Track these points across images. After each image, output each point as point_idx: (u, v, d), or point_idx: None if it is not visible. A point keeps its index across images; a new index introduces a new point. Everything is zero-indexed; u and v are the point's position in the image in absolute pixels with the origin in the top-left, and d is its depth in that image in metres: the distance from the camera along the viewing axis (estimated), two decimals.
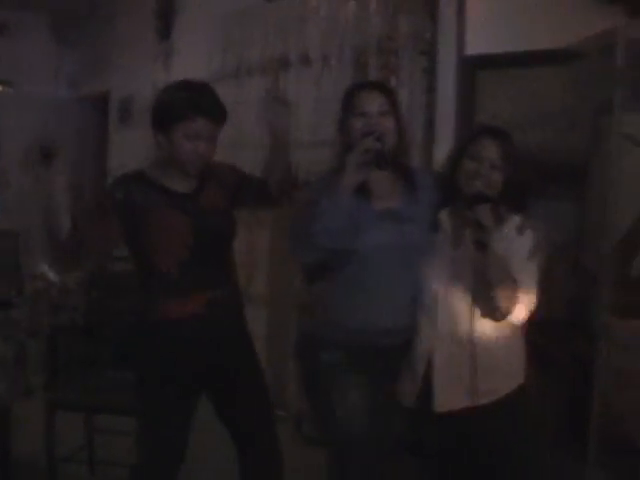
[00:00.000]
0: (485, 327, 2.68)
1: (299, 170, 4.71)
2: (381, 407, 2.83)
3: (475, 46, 3.90)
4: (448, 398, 2.73)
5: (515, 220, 2.70)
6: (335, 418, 2.81)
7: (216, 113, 2.81)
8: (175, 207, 2.84)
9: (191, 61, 6.07)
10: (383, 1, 4.27)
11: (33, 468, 3.96)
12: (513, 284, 2.58)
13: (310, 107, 4.75)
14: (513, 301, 2.59)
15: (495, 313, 2.63)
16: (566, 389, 3.30)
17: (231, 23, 5.47)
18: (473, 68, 3.78)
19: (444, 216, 2.80)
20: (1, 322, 4.38)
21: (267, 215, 5.18)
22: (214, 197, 2.97)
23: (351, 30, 4.52)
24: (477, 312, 2.67)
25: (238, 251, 5.24)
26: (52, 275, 5.94)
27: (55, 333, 5.86)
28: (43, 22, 8.01)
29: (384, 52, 4.24)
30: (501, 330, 2.71)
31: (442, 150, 3.96)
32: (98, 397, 4.00)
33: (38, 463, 3.90)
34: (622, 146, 3.00)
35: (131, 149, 7.10)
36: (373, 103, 2.75)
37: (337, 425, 2.82)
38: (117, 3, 7.33)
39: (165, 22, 6.43)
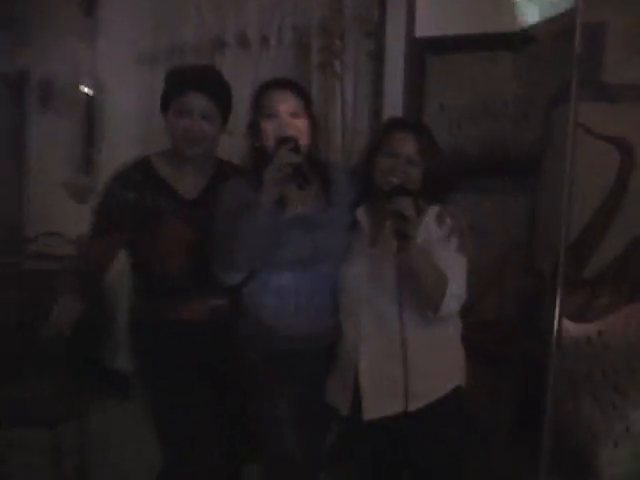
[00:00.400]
0: (413, 326, 2.74)
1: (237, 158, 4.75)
2: (308, 417, 2.92)
3: (425, 28, 3.93)
4: (378, 404, 2.80)
5: (434, 210, 2.80)
6: (264, 428, 2.92)
7: (209, 87, 2.93)
8: (181, 217, 2.97)
9: (119, 40, 6.03)
10: None
11: None
12: (440, 275, 2.66)
13: (247, 91, 4.75)
14: (442, 293, 2.65)
15: (425, 307, 2.71)
16: (518, 390, 3.36)
17: (163, 0, 5.45)
18: (423, 52, 3.82)
19: (361, 213, 2.89)
20: None
21: None
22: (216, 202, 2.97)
23: (292, 9, 4.55)
24: (404, 310, 2.73)
25: None
26: None
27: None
28: None
29: (327, 33, 4.27)
30: (432, 328, 2.77)
31: None
32: (9, 409, 3.98)
33: None
34: (578, 138, 3.04)
35: (51, 135, 7.03)
36: (284, 103, 2.83)
37: (266, 436, 2.92)
38: None
39: None
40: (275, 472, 2.92)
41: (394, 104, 4.06)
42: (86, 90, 6.52)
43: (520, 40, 3.50)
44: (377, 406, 2.79)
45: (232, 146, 5.03)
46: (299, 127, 2.82)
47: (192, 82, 2.94)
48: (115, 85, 6.20)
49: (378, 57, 4.18)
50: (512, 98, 3.56)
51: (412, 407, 2.75)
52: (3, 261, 4.50)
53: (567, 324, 3.12)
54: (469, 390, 2.87)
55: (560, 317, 3.08)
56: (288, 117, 2.81)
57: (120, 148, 5.97)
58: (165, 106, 2.98)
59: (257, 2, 4.74)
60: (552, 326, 3.07)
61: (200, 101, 2.91)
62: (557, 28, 3.21)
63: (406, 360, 2.73)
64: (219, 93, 2.99)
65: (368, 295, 2.79)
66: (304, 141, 2.80)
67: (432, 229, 2.76)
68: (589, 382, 3.13)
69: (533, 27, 3.44)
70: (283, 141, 2.73)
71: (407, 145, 2.81)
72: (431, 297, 2.68)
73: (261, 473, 2.99)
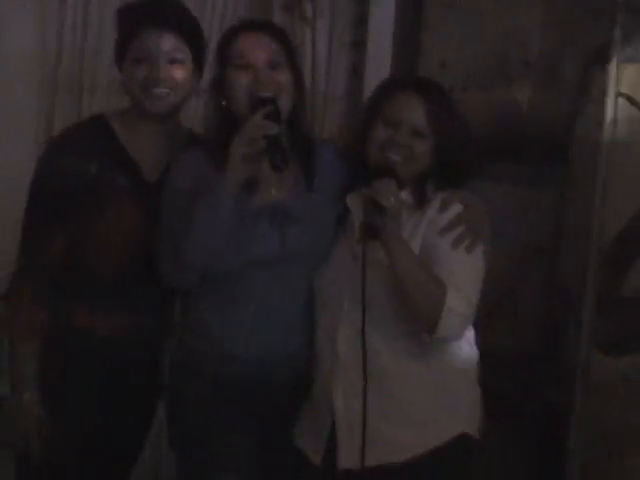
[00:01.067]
0: (404, 352, 2.71)
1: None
2: (264, 462, 2.89)
3: None
4: (356, 452, 2.72)
5: (439, 198, 2.74)
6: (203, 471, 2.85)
7: (175, 22, 2.84)
8: (136, 200, 2.87)
9: None
10: None
11: None
12: (434, 286, 2.58)
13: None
14: (437, 309, 2.57)
15: (418, 328, 2.63)
16: (535, 446, 3.36)
17: None
18: None
19: (352, 201, 2.78)
20: None
21: None
22: None
23: None
24: (392, 331, 2.70)
25: None
26: None
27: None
28: None
29: None
30: (431, 356, 2.73)
31: None
32: None
33: None
34: (618, 112, 3.04)
35: None
36: (261, 50, 2.76)
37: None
38: None
39: None
40: None
41: (380, 60, 4.04)
42: None
43: None
44: (355, 454, 2.72)
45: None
46: (280, 82, 2.75)
47: (152, 18, 2.84)
48: (6, 17, 6.15)
49: None
50: (537, 55, 3.54)
51: (397, 458, 2.71)
52: None
53: (597, 357, 3.12)
54: (481, 441, 2.83)
55: (588, 347, 3.09)
56: (266, 68, 2.74)
57: (13, 105, 5.94)
58: (120, 55, 2.89)
59: None
60: (579, 360, 3.08)
61: (165, 41, 2.82)
62: None
63: (395, 399, 2.71)
64: (188, 29, 2.90)
65: (349, 312, 2.75)
66: (286, 103, 2.75)
67: (433, 220, 2.71)
68: (627, 435, 3.12)
69: None
70: (258, 102, 2.66)
71: (413, 111, 2.73)
72: (422, 314, 2.61)
73: None
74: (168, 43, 2.82)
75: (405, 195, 2.72)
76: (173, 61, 2.83)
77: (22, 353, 2.90)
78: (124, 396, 2.99)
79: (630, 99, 3.06)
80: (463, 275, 2.64)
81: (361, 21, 4.14)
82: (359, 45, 4.16)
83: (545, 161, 3.44)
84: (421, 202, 2.73)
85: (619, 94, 3.04)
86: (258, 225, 2.75)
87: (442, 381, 2.77)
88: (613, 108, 3.04)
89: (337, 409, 2.78)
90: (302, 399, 2.93)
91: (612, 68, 3.04)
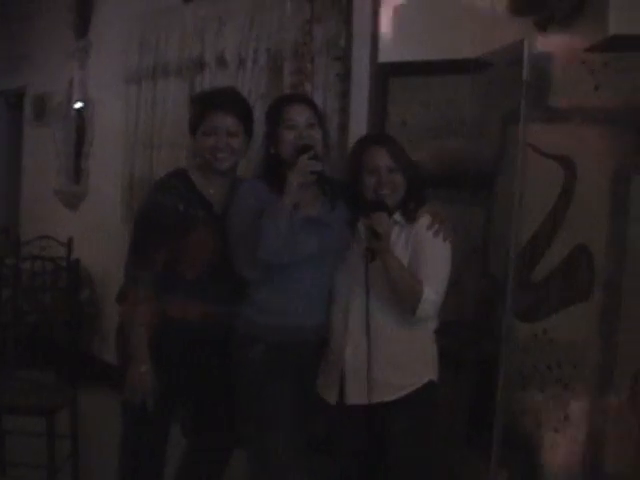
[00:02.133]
0: (394, 324, 2.80)
1: None
2: (302, 404, 2.94)
3: (388, 54, 3.93)
4: (359, 393, 2.81)
5: (426, 219, 2.82)
6: (262, 415, 2.91)
7: (232, 106, 2.97)
8: (211, 227, 2.95)
9: (108, 59, 6.00)
10: (299, 7, 4.27)
11: None
12: (414, 283, 2.71)
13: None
14: (416, 299, 2.69)
15: (403, 310, 2.76)
16: (472, 389, 3.37)
17: (148, 22, 5.42)
18: (385, 75, 3.81)
19: (361, 225, 2.86)
20: None
21: None
22: None
23: (267, 34, 4.53)
24: (388, 310, 2.79)
25: None
26: None
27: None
28: None
29: (299, 57, 4.25)
30: (411, 327, 2.81)
31: None
32: (9, 397, 3.94)
33: None
34: (527, 155, 3.06)
35: (45, 147, 6.98)
36: (302, 115, 2.89)
37: (260, 422, 2.91)
38: None
39: (82, 18, 6.33)
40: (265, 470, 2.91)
41: (359, 121, 4.06)
42: (77, 105, 6.48)
43: (476, 66, 3.49)
44: (358, 394, 2.81)
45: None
46: (315, 137, 2.89)
47: (216, 103, 2.98)
48: (103, 101, 6.17)
49: (345, 79, 4.16)
50: (469, 118, 3.55)
51: (388, 397, 2.80)
52: (1, 262, 4.42)
53: (516, 323, 3.12)
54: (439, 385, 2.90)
55: (510, 317, 3.10)
56: (305, 127, 2.87)
57: (106, 159, 5.96)
58: (193, 128, 3.02)
59: (235, 27, 4.72)
60: (504, 325, 3.09)
61: (225, 120, 2.94)
62: (508, 56, 3.21)
63: (386, 354, 2.78)
64: (241, 111, 3.01)
65: (357, 296, 2.81)
66: (318, 150, 2.86)
67: (422, 235, 2.80)
68: (536, 376, 3.13)
69: (488, 54, 3.43)
70: (303, 149, 2.80)
71: (384, 156, 2.84)
72: (406, 302, 2.73)
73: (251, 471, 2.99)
74: (228, 121, 2.94)
75: (397, 217, 2.83)
76: (231, 134, 2.95)
77: (138, 337, 2.91)
78: (206, 364, 3.04)
79: (533, 147, 3.08)
80: (436, 275, 2.75)
81: (344, 94, 4.15)
82: (344, 110, 4.15)
83: (477, 188, 3.45)
84: (409, 220, 2.82)
85: (526, 143, 3.05)
86: (303, 230, 2.82)
87: (419, 342, 2.87)
88: (522, 153, 3.04)
89: (347, 362, 2.83)
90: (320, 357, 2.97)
91: (521, 126, 3.04)
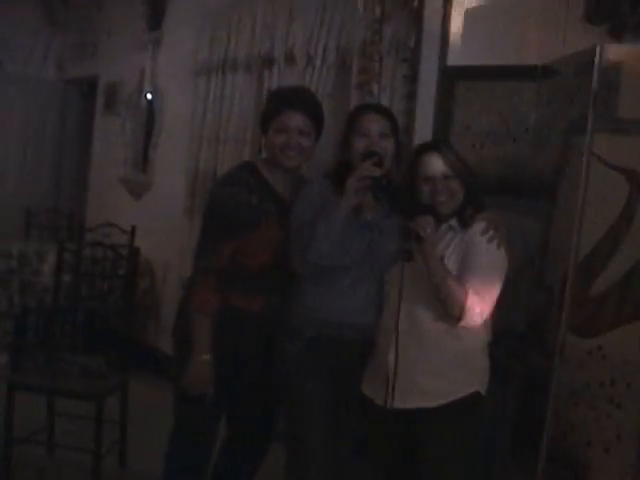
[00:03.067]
0: (443, 331, 2.75)
1: None
2: (342, 401, 3.00)
3: (456, 57, 3.90)
4: (405, 397, 2.77)
5: (480, 225, 2.78)
6: (297, 407, 2.96)
7: (305, 106, 3.00)
8: (281, 220, 2.97)
9: (179, 52, 6.06)
10: (370, 7, 4.25)
11: None
12: (457, 290, 2.66)
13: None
14: (459, 305, 2.65)
15: (448, 317, 2.71)
16: (521, 403, 3.31)
17: (220, 16, 5.45)
18: (452, 78, 3.78)
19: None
20: None
21: None
22: None
23: (336, 32, 4.52)
24: (437, 316, 2.75)
25: None
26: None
27: (25, 313, 5.87)
28: (33, 3, 7.94)
29: (367, 57, 4.23)
30: (460, 336, 2.76)
31: None
32: (60, 380, 4.00)
33: None
34: (591, 166, 2.99)
35: (114, 136, 7.08)
36: (375, 124, 2.92)
37: (297, 415, 2.96)
38: None
39: (155, 11, 6.40)
40: (302, 466, 2.94)
41: (425, 123, 4.03)
42: (147, 96, 6.56)
43: (542, 73, 3.44)
44: (401, 398, 2.76)
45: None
46: (386, 147, 2.90)
47: (290, 102, 3.00)
48: (173, 92, 6.23)
49: (412, 80, 4.13)
50: (533, 125, 3.50)
51: (429, 404, 2.76)
52: (65, 247, 4.50)
53: (571, 338, 3.05)
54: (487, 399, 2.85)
55: (565, 331, 3.03)
56: (377, 137, 2.90)
57: (174, 150, 6.02)
58: (265, 124, 3.06)
59: (304, 24, 4.72)
60: (557, 339, 3.03)
61: (297, 119, 2.97)
62: (578, 63, 3.15)
63: (429, 359, 2.78)
64: (314, 111, 3.04)
65: (407, 298, 2.76)
66: (389, 160, 2.89)
67: (474, 240, 2.76)
68: (587, 393, 3.06)
69: (556, 61, 3.38)
70: (368, 155, 2.82)
71: (438, 165, 2.82)
72: (449, 308, 2.68)
73: (288, 466, 3.00)
74: (300, 121, 2.98)
75: (453, 222, 2.82)
76: (302, 133, 2.99)
77: (201, 326, 2.95)
78: (260, 357, 3.08)
79: (598, 158, 3.00)
80: (484, 283, 2.70)
81: (411, 96, 4.12)
82: (410, 113, 4.13)
83: (538, 197, 3.40)
84: (464, 225, 2.78)
85: (591, 153, 2.97)
86: (358, 233, 2.89)
87: (465, 350, 2.80)
88: (587, 164, 2.97)
89: (390, 364, 2.78)
90: (366, 358, 2.97)
91: (588, 136, 2.98)
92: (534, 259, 3.33)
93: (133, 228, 6.05)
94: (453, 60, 3.91)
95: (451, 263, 2.76)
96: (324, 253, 2.78)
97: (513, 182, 3.52)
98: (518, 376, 3.30)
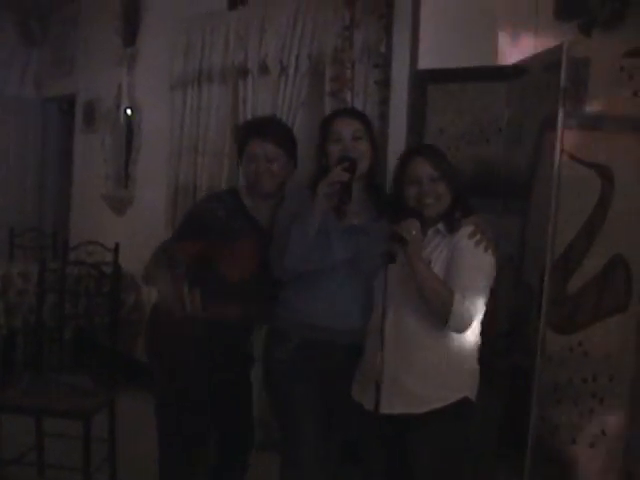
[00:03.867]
0: (430, 335, 2.75)
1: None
2: (331, 404, 3.02)
3: (427, 61, 3.90)
4: (392, 402, 2.75)
5: (467, 229, 2.78)
6: (286, 412, 2.99)
7: (270, 134, 3.12)
8: (255, 240, 3.10)
9: (154, 65, 6.05)
10: (340, 14, 4.26)
11: None
12: (444, 293, 2.65)
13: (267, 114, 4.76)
14: (446, 309, 2.64)
15: (435, 320, 2.70)
16: (504, 401, 3.31)
17: (193, 28, 5.45)
18: (424, 82, 3.78)
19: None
20: None
21: None
22: None
23: (308, 41, 4.53)
24: (423, 320, 2.74)
25: None
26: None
27: (11, 334, 5.85)
28: (10, 21, 7.92)
29: (339, 64, 4.24)
30: (448, 340, 2.75)
31: (394, 159, 4.00)
32: (47, 400, 3.98)
33: None
34: (563, 163, 3.00)
35: (94, 152, 7.07)
36: (347, 128, 2.96)
37: (287, 418, 2.99)
38: (82, 4, 7.30)
39: (130, 26, 6.40)
40: (296, 470, 2.96)
41: (399, 128, 4.04)
42: (127, 111, 6.56)
43: (513, 72, 3.45)
44: (389, 403, 2.75)
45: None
46: (361, 149, 2.95)
47: (257, 131, 3.15)
48: (150, 107, 6.23)
49: (385, 86, 4.15)
50: (505, 125, 3.51)
51: (417, 409, 2.75)
52: (48, 267, 4.48)
53: (551, 335, 3.06)
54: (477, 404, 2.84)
55: (545, 328, 3.04)
56: (350, 140, 2.95)
57: (154, 164, 6.01)
58: (239, 154, 3.22)
59: (277, 34, 4.73)
60: (538, 337, 3.03)
61: (263, 147, 3.09)
62: (547, 61, 3.16)
63: (417, 364, 2.76)
64: (280, 137, 3.15)
65: (394, 302, 2.75)
66: (365, 162, 2.95)
67: (461, 244, 2.76)
68: (570, 389, 3.06)
69: (525, 60, 3.39)
70: (340, 160, 2.87)
71: (425, 166, 2.82)
72: (436, 310, 2.68)
73: (282, 471, 3.02)
74: (267, 148, 3.10)
75: (440, 226, 2.82)
76: (270, 160, 3.10)
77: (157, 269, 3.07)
78: (233, 358, 3.24)
79: (570, 155, 3.02)
80: (473, 287, 2.69)
81: (384, 101, 4.14)
82: (384, 117, 4.14)
83: (512, 196, 3.40)
84: (451, 230, 2.79)
85: (562, 150, 2.98)
86: (344, 238, 2.93)
87: (453, 355, 2.78)
88: (558, 161, 2.98)
89: (378, 368, 2.75)
90: (355, 361, 2.97)
91: (558, 132, 2.98)
92: (513, 258, 3.33)
93: (117, 245, 6.04)
94: (424, 64, 3.91)
95: (437, 267, 2.75)
96: (299, 257, 2.83)
97: (489, 182, 3.52)
98: (502, 375, 3.30)
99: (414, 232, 2.66)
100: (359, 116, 3.09)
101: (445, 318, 2.65)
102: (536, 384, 3.05)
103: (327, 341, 2.94)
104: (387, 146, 4.12)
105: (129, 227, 6.49)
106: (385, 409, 2.75)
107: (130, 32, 6.42)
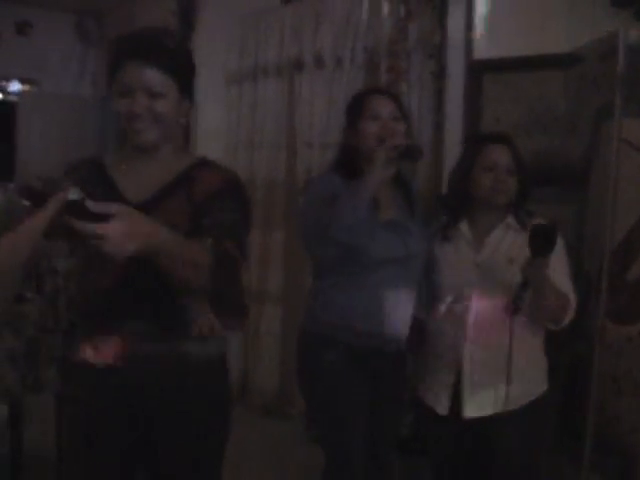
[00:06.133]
0: (520, 332, 2.54)
1: (312, 171, 4.79)
2: (381, 409, 2.85)
3: (482, 51, 3.92)
4: (479, 405, 2.67)
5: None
6: (333, 417, 2.79)
7: (153, 54, 2.07)
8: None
9: (210, 62, 6.10)
10: (394, 5, 4.29)
11: (43, 462, 3.99)
12: (563, 297, 2.58)
13: (323, 109, 4.80)
14: (565, 311, 2.59)
15: (548, 322, 2.63)
16: (563, 392, 3.30)
17: (248, 24, 5.51)
18: (480, 72, 3.79)
19: (464, 225, 2.77)
20: (13, 317, 4.43)
21: (280, 214, 5.24)
22: (175, 213, 2.10)
23: (363, 33, 4.56)
24: (509, 317, 2.53)
25: (252, 251, 5.34)
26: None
27: (72, 328, 5.97)
28: (67, 21, 8.07)
29: (394, 55, 4.27)
30: (535, 336, 2.70)
31: (450, 150, 4.02)
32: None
33: (49, 458, 3.96)
34: (621, 151, 2.99)
35: None
36: (386, 108, 2.76)
37: (334, 424, 2.80)
38: (137, 3, 7.40)
39: (186, 23, 6.47)
40: (340, 458, 2.79)
41: (454, 118, 4.06)
42: None
43: (568, 60, 3.44)
44: (477, 406, 2.67)
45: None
46: (399, 129, 2.74)
47: (133, 51, 2.06)
48: (207, 103, 6.28)
49: (440, 76, 4.17)
50: (561, 113, 3.50)
51: (508, 408, 2.60)
52: None
53: (610, 325, 3.05)
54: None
55: (603, 318, 3.02)
56: (390, 120, 2.74)
57: (211, 158, 6.07)
58: (109, 86, 2.13)
59: (332, 26, 4.76)
60: (596, 327, 3.03)
61: (144, 74, 2.05)
62: (603, 49, 3.15)
63: (511, 364, 2.52)
64: (170, 60, 2.10)
65: (475, 300, 2.67)
66: (402, 144, 2.66)
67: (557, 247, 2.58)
68: (630, 379, 3.05)
69: (581, 48, 3.38)
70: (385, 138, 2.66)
71: (504, 156, 2.70)
72: (554, 317, 2.61)
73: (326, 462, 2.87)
74: (149, 76, 2.05)
75: (511, 220, 2.71)
76: (154, 95, 2.06)
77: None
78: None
79: (628, 143, 2.99)
80: (569, 283, 2.65)
81: (439, 92, 4.14)
82: (439, 108, 4.16)
83: (569, 185, 3.39)
84: (524, 224, 2.66)
85: (621, 139, 2.97)
86: (386, 234, 2.70)
87: (536, 349, 2.75)
88: (616, 150, 2.97)
89: (465, 372, 2.67)
90: (404, 366, 2.88)
91: (616, 121, 2.97)
92: (572, 247, 3.32)
93: None
94: (479, 53, 3.92)
95: (517, 266, 2.55)
96: (348, 228, 2.52)
97: (546, 172, 3.51)
98: (561, 365, 3.29)
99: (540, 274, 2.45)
100: (394, 97, 2.89)
101: (563, 319, 2.61)
102: (595, 374, 3.04)
103: (372, 345, 2.76)
104: (443, 137, 4.15)
105: None
106: (471, 412, 2.68)
107: (186, 29, 6.49)
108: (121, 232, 1.67)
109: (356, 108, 2.80)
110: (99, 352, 2.10)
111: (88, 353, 2.12)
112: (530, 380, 2.70)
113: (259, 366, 5.38)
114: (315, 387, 2.85)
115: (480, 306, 2.66)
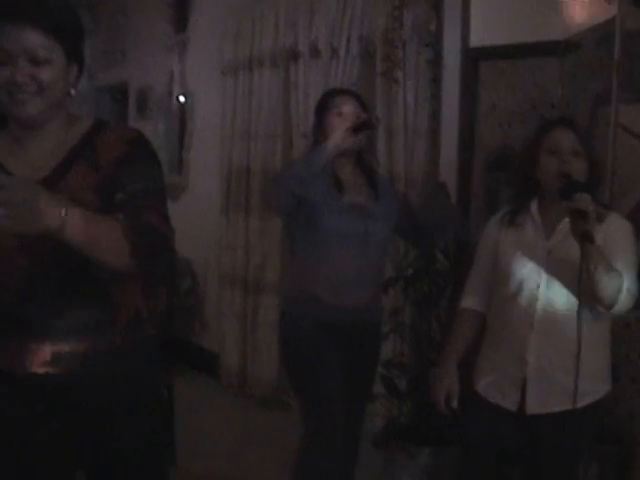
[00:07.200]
0: (589, 323, 2.44)
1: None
2: (356, 377, 3.11)
3: (478, 38, 3.90)
4: (544, 400, 2.57)
5: (615, 217, 2.58)
6: (308, 372, 3.03)
7: (34, 13, 1.80)
8: None
9: (206, 51, 6.11)
10: None
11: None
12: (616, 273, 2.40)
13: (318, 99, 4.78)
14: (618, 290, 2.39)
15: (600, 303, 2.43)
16: None
17: (243, 14, 5.50)
18: (476, 59, 3.78)
19: (534, 209, 2.65)
20: None
21: None
22: (82, 188, 1.88)
23: (358, 22, 4.55)
24: (583, 306, 2.38)
25: (249, 241, 5.34)
26: None
27: None
28: None
29: (390, 44, 4.24)
30: (602, 327, 2.58)
31: (447, 138, 4.02)
32: None
33: None
34: (618, 137, 2.99)
35: (149, 140, 7.13)
36: (348, 105, 3.05)
37: (309, 377, 3.03)
38: None
39: (181, 13, 6.46)
40: (316, 443, 2.99)
41: (450, 106, 4.05)
42: (179, 98, 6.62)
43: (565, 47, 3.43)
44: (544, 402, 2.56)
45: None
46: (364, 120, 2.98)
47: (10, 11, 1.79)
48: (203, 93, 6.28)
49: (436, 64, 4.15)
50: (558, 100, 3.49)
51: (573, 405, 2.41)
52: None
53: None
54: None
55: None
56: (352, 116, 2.99)
57: (207, 150, 6.08)
58: None
59: (327, 16, 4.75)
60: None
61: (25, 38, 1.79)
62: (598, 35, 3.14)
63: (579, 358, 2.33)
64: (55, 21, 1.83)
65: (544, 289, 2.54)
66: (363, 139, 3.01)
67: (613, 236, 2.50)
68: (628, 365, 3.04)
69: (577, 35, 3.37)
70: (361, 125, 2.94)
71: (567, 138, 2.57)
72: (607, 294, 2.39)
73: (302, 444, 3.05)
74: (31, 39, 1.79)
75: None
76: (36, 61, 1.80)
77: None
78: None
79: (625, 129, 2.98)
80: (631, 267, 2.49)
81: (436, 80, 4.12)
82: (435, 96, 4.15)
83: None
84: (597, 213, 2.39)
85: (618, 125, 2.96)
86: (349, 216, 3.00)
87: (602, 344, 2.63)
88: (614, 136, 2.96)
89: (530, 366, 2.57)
90: (378, 341, 3.21)
91: (613, 107, 2.97)
92: None
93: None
94: (475, 41, 3.91)
95: None
96: (300, 179, 2.81)
97: None
98: None
99: (591, 207, 2.31)
100: (355, 95, 3.19)
101: (614, 300, 2.41)
102: None
103: (342, 319, 3.02)
104: (440, 126, 4.14)
105: (183, 213, 6.53)
106: (536, 408, 2.57)
107: (181, 19, 6.48)
108: (30, 206, 1.49)
109: (324, 105, 3.10)
110: (16, 359, 1.87)
111: (4, 360, 1.89)
112: (598, 377, 2.60)
113: (257, 356, 5.37)
114: (289, 354, 3.15)
115: (549, 295, 2.55)
